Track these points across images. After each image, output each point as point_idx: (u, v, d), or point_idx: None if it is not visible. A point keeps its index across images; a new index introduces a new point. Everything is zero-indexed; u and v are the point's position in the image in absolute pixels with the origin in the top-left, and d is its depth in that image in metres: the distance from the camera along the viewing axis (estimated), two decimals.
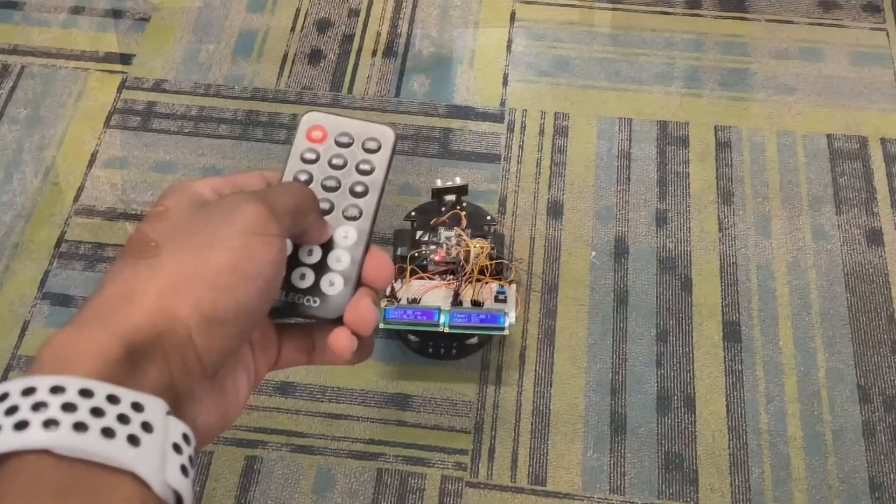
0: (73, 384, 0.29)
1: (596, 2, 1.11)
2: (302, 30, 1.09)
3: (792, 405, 0.84)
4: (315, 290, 0.41)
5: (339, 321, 0.41)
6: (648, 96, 1.03)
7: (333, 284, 0.41)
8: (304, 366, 0.44)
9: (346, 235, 0.42)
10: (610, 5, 1.11)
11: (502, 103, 1.03)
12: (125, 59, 1.06)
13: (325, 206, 0.42)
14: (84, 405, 0.29)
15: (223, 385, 0.38)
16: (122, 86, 1.04)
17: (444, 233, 0.86)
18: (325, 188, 0.43)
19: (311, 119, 0.44)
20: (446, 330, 0.79)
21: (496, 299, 0.82)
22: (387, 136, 0.44)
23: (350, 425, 0.83)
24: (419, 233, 0.86)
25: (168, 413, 0.32)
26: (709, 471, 0.81)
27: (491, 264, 0.83)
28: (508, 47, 1.07)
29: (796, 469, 0.81)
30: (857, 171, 0.98)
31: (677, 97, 1.03)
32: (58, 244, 0.93)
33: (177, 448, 0.32)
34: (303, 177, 0.43)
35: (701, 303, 0.90)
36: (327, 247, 0.42)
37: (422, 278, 0.83)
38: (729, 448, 0.82)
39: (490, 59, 1.06)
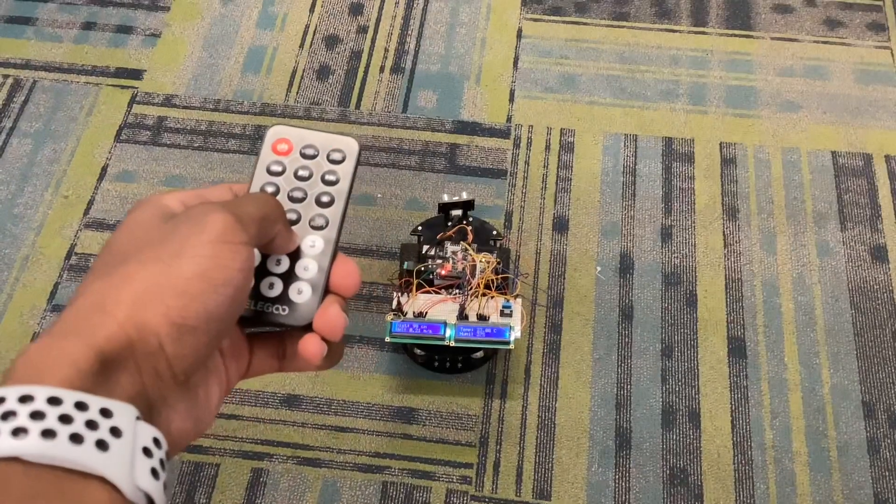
0: (41, 393, 0.30)
1: (602, 19, 1.12)
2: (311, 46, 1.10)
3: (797, 421, 0.84)
4: (284, 298, 0.42)
5: (308, 328, 0.42)
6: (654, 113, 1.04)
7: (302, 293, 0.42)
8: (276, 373, 0.45)
9: (314, 245, 0.43)
10: (616, 23, 1.12)
11: (509, 119, 1.04)
12: (136, 74, 1.07)
13: (291, 216, 0.43)
14: (52, 413, 0.30)
15: (195, 393, 0.39)
16: (133, 101, 1.05)
17: (450, 247, 0.87)
18: (292, 199, 0.44)
19: (276, 132, 0.45)
20: (452, 343, 0.80)
21: (502, 314, 0.82)
22: (351, 147, 0.45)
23: (356, 438, 0.83)
24: (425, 247, 0.87)
25: (138, 418, 0.33)
26: (713, 486, 0.81)
27: (497, 278, 0.84)
28: (515, 64, 1.08)
29: (801, 485, 0.81)
30: (861, 188, 0.98)
31: (682, 114, 1.04)
32: (68, 256, 0.94)
33: (147, 452, 0.32)
34: (269, 188, 0.44)
35: (706, 318, 0.90)
36: (295, 256, 0.43)
37: (428, 292, 0.83)
38: (734, 463, 0.82)
39: (497, 76, 1.07)
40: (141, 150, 1.02)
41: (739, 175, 0.99)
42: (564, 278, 0.93)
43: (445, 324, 0.80)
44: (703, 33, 1.11)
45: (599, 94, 1.06)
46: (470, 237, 0.87)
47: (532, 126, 1.03)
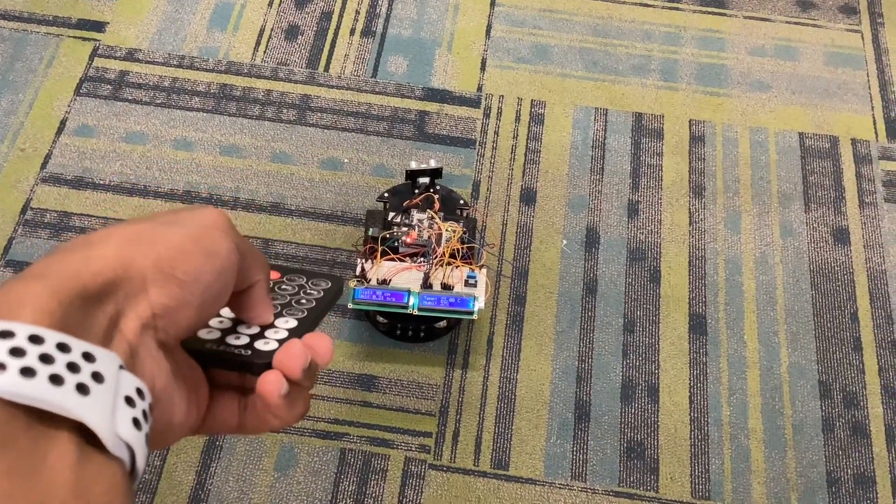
0: (22, 330, 0.29)
1: None
2: (280, 4, 1.08)
3: (754, 398, 0.85)
4: (248, 346, 0.41)
5: (269, 366, 0.40)
6: (625, 87, 1.04)
7: (268, 343, 0.41)
8: (234, 433, 0.43)
9: (287, 322, 0.43)
10: None
11: (479, 88, 1.03)
12: (98, 26, 1.04)
13: (274, 308, 0.44)
14: (33, 351, 0.29)
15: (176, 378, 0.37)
16: (94, 53, 1.02)
17: (416, 215, 0.86)
18: (273, 298, 0.45)
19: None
20: (415, 312, 0.79)
21: (466, 283, 0.81)
22: (334, 281, 0.48)
23: (315, 405, 0.83)
24: (391, 214, 0.86)
25: (121, 367, 0.31)
26: (669, 460, 0.82)
27: (462, 248, 0.83)
28: (488, 32, 1.07)
29: (755, 461, 0.82)
30: (826, 170, 0.99)
31: (653, 90, 1.04)
32: (23, 211, 0.91)
33: (129, 401, 0.31)
34: None
35: (668, 294, 0.90)
36: (267, 326, 0.43)
37: (392, 260, 0.83)
38: (690, 438, 0.83)
39: (469, 44, 1.06)
40: (101, 104, 0.99)
41: (707, 153, 0.99)
42: (530, 250, 0.92)
43: (409, 292, 0.79)
44: (677, 9, 1.10)
45: (571, 66, 1.05)
46: (437, 206, 0.86)
47: (503, 96, 1.02)
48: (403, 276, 0.81)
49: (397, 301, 0.79)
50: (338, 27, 1.06)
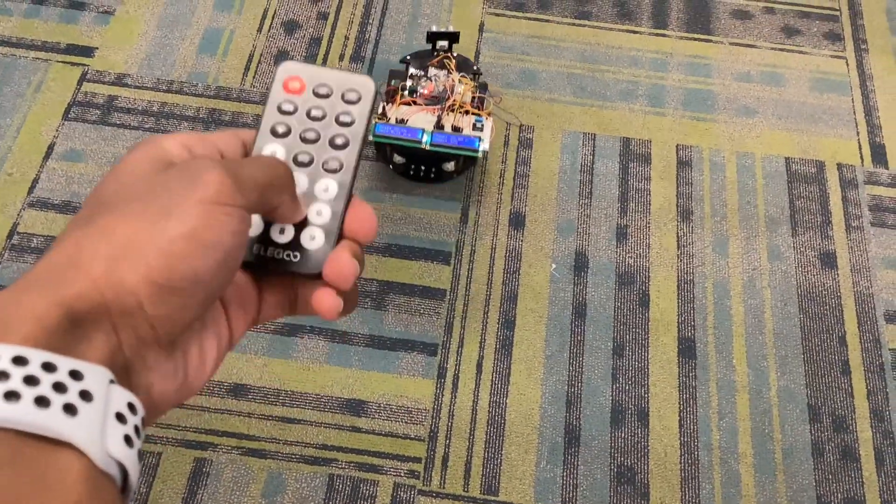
0: (5, 352, 0.28)
1: (564, 17, 1.12)
2: (269, 30, 1.08)
3: (743, 423, 0.85)
4: (295, 244, 0.40)
5: (319, 276, 0.40)
6: (613, 112, 1.04)
7: (314, 239, 0.40)
8: (288, 317, 0.43)
9: (327, 189, 0.40)
10: (578, 21, 1.12)
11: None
12: (87, 51, 1.04)
13: (304, 158, 0.41)
14: (17, 373, 0.28)
15: (185, 352, 0.36)
16: (83, 78, 1.02)
17: (433, 71, 0.96)
18: (304, 140, 0.41)
19: (288, 69, 0.42)
20: (427, 147, 0.89)
21: (474, 127, 0.92)
22: (367, 86, 0.42)
23: (303, 430, 0.82)
24: (412, 71, 0.96)
25: (112, 382, 0.31)
26: (660, 485, 0.81)
27: (474, 94, 0.94)
28: (476, 58, 1.08)
29: (746, 486, 0.81)
30: (813, 195, 0.99)
31: (641, 115, 1.04)
32: (10, 236, 0.91)
33: (120, 417, 0.30)
34: (280, 129, 0.41)
35: (657, 318, 0.90)
36: (308, 200, 0.41)
37: (410, 104, 0.93)
38: (680, 463, 0.82)
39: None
40: (90, 129, 0.99)
41: (694, 178, 1.00)
42: (519, 275, 0.92)
43: (423, 130, 0.90)
44: (664, 36, 1.11)
45: (559, 91, 1.06)
46: (453, 63, 0.96)
47: (491, 123, 1.02)
48: (419, 119, 0.92)
49: (412, 137, 0.90)
50: (327, 52, 1.07)
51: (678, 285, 0.92)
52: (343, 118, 0.42)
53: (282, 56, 1.06)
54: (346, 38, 1.08)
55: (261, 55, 1.06)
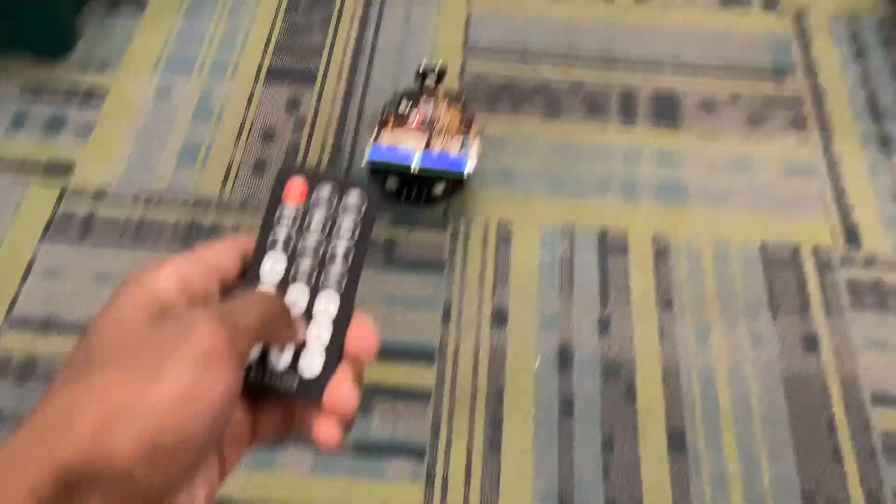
0: None
1: (535, 115, 1.14)
2: (247, 140, 1.10)
3: None
4: (293, 370, 0.39)
5: (318, 402, 0.38)
6: (588, 205, 1.06)
7: (314, 363, 0.39)
8: (283, 437, 0.42)
9: (327, 307, 0.39)
10: (549, 118, 1.14)
11: (445, 213, 1.04)
12: (66, 169, 1.05)
13: (303, 272, 0.40)
14: None
15: (174, 503, 0.36)
16: (63, 195, 1.03)
17: (424, 103, 1.04)
18: (304, 252, 0.40)
19: (287, 176, 0.41)
20: (417, 170, 0.96)
21: (461, 146, 0.99)
22: (367, 193, 0.41)
23: None
24: (403, 104, 1.03)
25: None
26: None
27: (460, 118, 1.01)
28: None
29: None
30: (790, 279, 1.00)
31: (616, 207, 1.06)
32: None
33: None
34: (280, 240, 0.40)
35: (645, 410, 0.90)
36: (308, 318, 0.39)
37: (402, 126, 1.01)
38: None
39: None
40: (69, 246, 0.99)
41: (672, 266, 1.01)
42: (504, 372, 0.92)
43: (414, 152, 0.97)
44: (633, 129, 1.14)
45: (535, 187, 1.07)
46: (441, 92, 1.05)
47: (470, 219, 1.04)
48: (411, 142, 0.99)
49: (403, 160, 0.97)
50: (305, 160, 1.08)
51: (664, 375, 0.92)
52: (343, 228, 0.40)
53: (260, 165, 1.07)
54: (323, 144, 1.10)
55: (239, 164, 1.07)
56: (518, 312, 0.96)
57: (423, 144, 0.99)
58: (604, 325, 0.96)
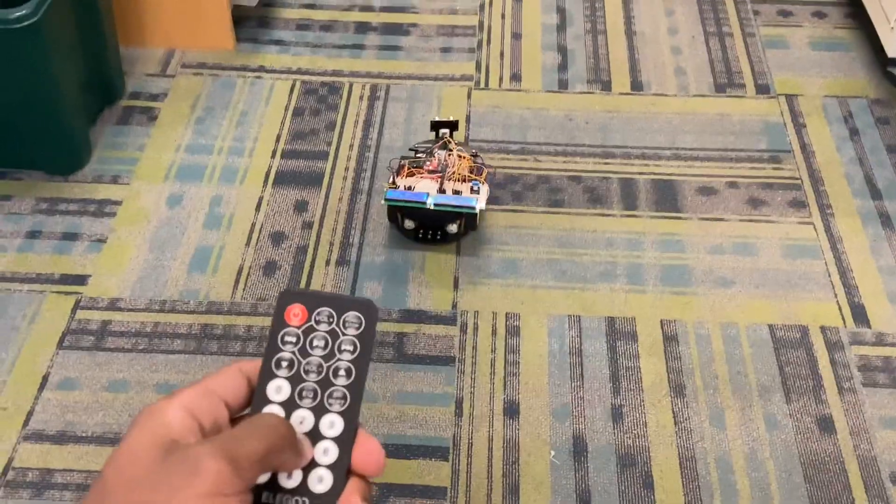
0: None
1: (538, 206, 1.17)
2: (257, 243, 1.12)
3: None
4: (303, 489, 0.39)
5: None
6: (595, 294, 1.07)
7: (322, 481, 0.39)
8: None
9: (332, 425, 0.40)
10: (551, 209, 1.16)
11: (454, 306, 1.05)
12: (80, 279, 1.07)
13: (308, 394, 0.41)
14: None
15: None
16: (77, 306, 1.05)
17: (437, 152, 1.12)
18: (307, 373, 0.41)
19: (288, 298, 0.43)
20: (432, 207, 1.04)
21: (471, 190, 1.07)
22: (368, 310, 0.42)
23: None
24: (420, 156, 1.12)
25: None
26: None
27: (470, 164, 1.10)
28: (457, 251, 1.11)
29: None
30: (801, 360, 1.00)
31: (622, 294, 1.07)
32: (4, 472, 0.90)
33: None
34: (284, 363, 0.42)
35: (664, 500, 0.89)
36: (314, 438, 0.40)
37: (416, 174, 1.09)
38: None
39: (440, 264, 1.10)
40: (84, 355, 1.00)
41: (682, 351, 1.01)
42: (518, 465, 0.91)
43: (428, 194, 1.05)
44: (635, 216, 1.16)
45: (541, 277, 1.09)
46: (453, 142, 1.12)
47: (477, 312, 1.05)
48: (425, 187, 1.07)
49: (418, 199, 1.04)
50: (314, 259, 1.10)
51: (680, 463, 0.92)
52: (345, 346, 0.42)
53: (270, 267, 1.09)
54: (331, 243, 1.12)
55: (250, 268, 1.09)
56: (530, 404, 0.96)
57: (437, 188, 1.07)
58: (617, 414, 0.96)
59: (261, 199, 1.17)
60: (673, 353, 1.01)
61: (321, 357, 0.42)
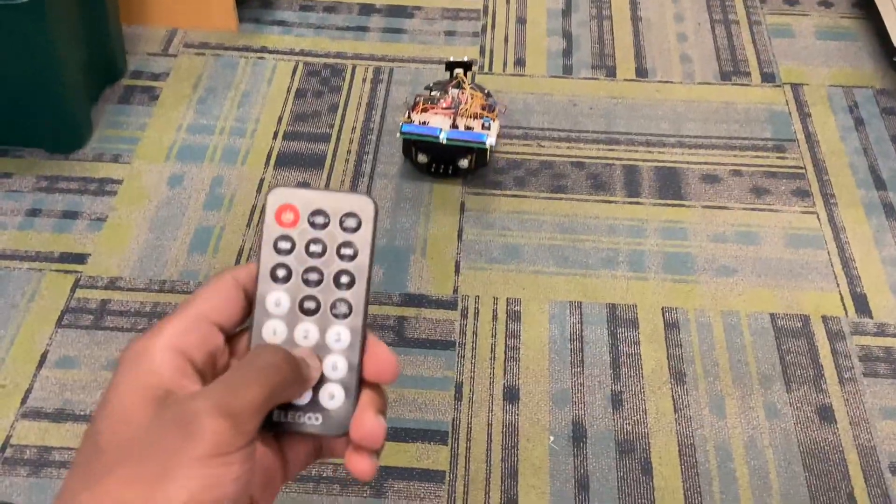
0: None
1: (541, 192, 1.16)
2: (258, 225, 1.12)
3: None
4: (315, 405, 0.37)
5: (345, 435, 0.37)
6: (596, 280, 1.07)
7: (334, 397, 0.37)
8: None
9: (339, 338, 0.38)
10: (554, 195, 1.16)
11: (455, 290, 1.05)
12: (80, 258, 1.07)
13: (310, 305, 0.38)
14: None
15: None
16: (76, 285, 1.04)
17: (451, 90, 1.17)
18: (307, 282, 0.38)
19: (278, 198, 0.38)
20: (444, 141, 1.10)
21: (483, 126, 1.13)
22: (366, 208, 0.38)
23: None
24: (435, 94, 1.17)
25: None
26: None
27: (483, 102, 1.16)
28: (459, 236, 1.11)
29: None
30: (802, 349, 1.00)
31: (624, 280, 1.06)
32: (2, 449, 0.90)
33: None
34: (280, 272, 0.38)
35: (662, 487, 0.89)
36: (321, 353, 0.38)
37: (430, 110, 1.15)
38: None
39: (442, 248, 1.10)
40: (83, 334, 1.00)
41: (683, 339, 1.01)
42: (517, 449, 0.91)
43: (441, 129, 1.11)
44: (638, 203, 1.15)
45: (543, 263, 1.08)
46: (467, 83, 1.18)
47: (479, 296, 1.05)
48: (438, 122, 1.13)
49: (431, 134, 1.10)
50: None
51: (679, 450, 0.91)
52: (345, 250, 0.38)
53: None
54: None
55: (250, 249, 1.09)
56: (529, 389, 0.96)
57: (450, 124, 1.13)
58: (617, 400, 0.95)
59: (262, 180, 1.17)
60: (674, 340, 1.01)
61: (320, 263, 0.38)
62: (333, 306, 0.38)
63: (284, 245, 0.38)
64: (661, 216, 1.13)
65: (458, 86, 1.18)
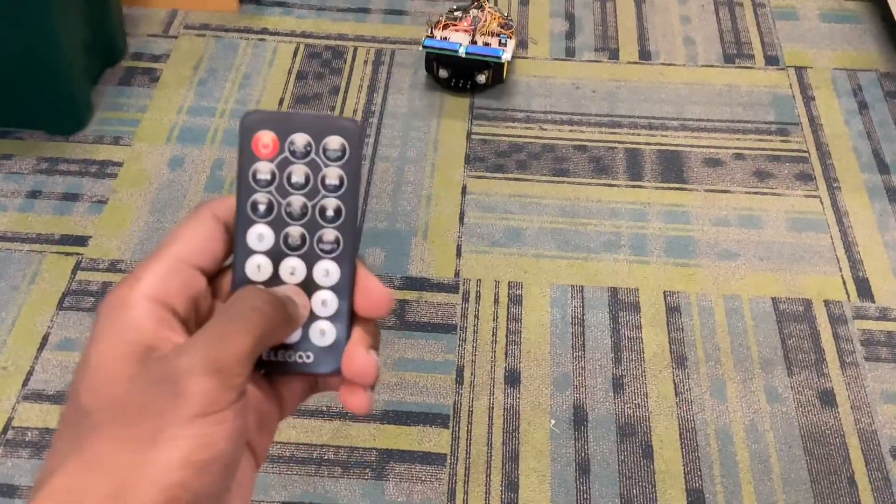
0: None
1: (543, 175, 1.16)
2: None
3: None
4: (305, 343, 0.36)
5: (337, 372, 0.36)
6: (598, 264, 1.06)
7: (325, 334, 0.36)
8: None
9: (328, 273, 0.36)
10: (556, 178, 1.15)
11: (457, 274, 1.05)
12: (81, 240, 1.07)
13: (295, 240, 0.36)
14: None
15: None
16: (77, 267, 1.04)
17: (472, 11, 1.27)
18: (291, 216, 0.36)
19: (254, 122, 0.36)
20: (463, 55, 1.20)
21: (499, 43, 1.22)
22: (349, 132, 0.35)
23: None
24: (457, 12, 1.27)
25: None
26: None
27: (501, 23, 1.25)
28: (461, 219, 1.11)
29: None
30: (804, 333, 1.00)
31: (625, 264, 1.06)
32: (4, 431, 0.90)
33: None
34: (261, 206, 0.36)
35: (663, 470, 0.89)
36: (310, 289, 0.36)
37: (451, 26, 1.24)
38: None
39: (443, 231, 1.09)
40: (84, 317, 1.00)
41: (685, 323, 1.01)
42: (519, 433, 0.91)
43: (460, 44, 1.21)
44: (640, 187, 1.15)
45: (544, 246, 1.08)
46: (487, 4, 1.28)
47: (480, 280, 1.04)
48: (458, 38, 1.22)
49: (451, 48, 1.20)
50: None
51: (680, 434, 0.92)
52: (329, 181, 0.36)
53: None
54: None
55: None
56: (531, 373, 0.96)
57: (469, 40, 1.22)
58: (618, 384, 0.95)
59: None
60: (675, 324, 1.01)
61: (303, 195, 0.36)
62: (320, 240, 0.36)
63: (264, 177, 0.36)
64: (663, 200, 1.13)
65: (479, 7, 1.27)
